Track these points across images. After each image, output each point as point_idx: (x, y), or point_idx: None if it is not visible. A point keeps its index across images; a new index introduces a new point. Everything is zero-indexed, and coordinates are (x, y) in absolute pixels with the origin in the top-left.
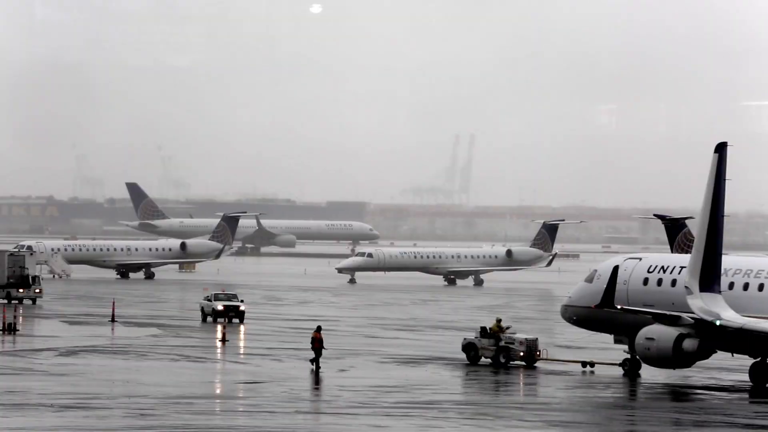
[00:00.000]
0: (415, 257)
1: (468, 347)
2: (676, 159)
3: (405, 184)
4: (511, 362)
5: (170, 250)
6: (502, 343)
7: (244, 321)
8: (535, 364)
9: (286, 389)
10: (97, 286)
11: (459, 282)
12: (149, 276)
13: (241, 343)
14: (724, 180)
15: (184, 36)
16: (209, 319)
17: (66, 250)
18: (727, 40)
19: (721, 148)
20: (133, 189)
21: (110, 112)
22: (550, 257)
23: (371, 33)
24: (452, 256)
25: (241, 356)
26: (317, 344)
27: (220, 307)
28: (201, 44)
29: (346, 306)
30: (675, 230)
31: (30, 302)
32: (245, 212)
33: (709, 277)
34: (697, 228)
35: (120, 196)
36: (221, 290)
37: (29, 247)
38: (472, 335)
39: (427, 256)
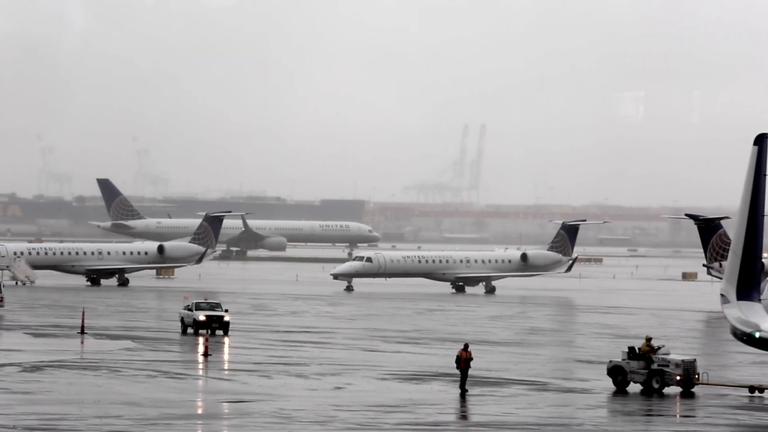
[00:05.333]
0: (420, 262)
1: (614, 371)
2: (711, 152)
3: (408, 180)
4: (666, 387)
5: (146, 253)
6: (655, 366)
7: (229, 333)
8: (693, 389)
9: (275, 409)
10: (64, 293)
11: (468, 289)
12: (123, 282)
13: (226, 358)
14: (765, 175)
15: (162, 20)
16: (190, 330)
17: (30, 253)
18: (766, 20)
19: (761, 140)
20: (105, 186)
21: (80, 100)
22: (570, 262)
23: (372, 11)
24: (461, 261)
25: (226, 372)
26: (462, 363)
27: (202, 317)
28: (181, 28)
29: (342, 316)
30: (709, 231)
31: None
32: (230, 212)
33: (748, 284)
34: (734, 229)
35: (90, 194)
36: (203, 298)
37: None
38: (618, 357)
39: (433, 261)
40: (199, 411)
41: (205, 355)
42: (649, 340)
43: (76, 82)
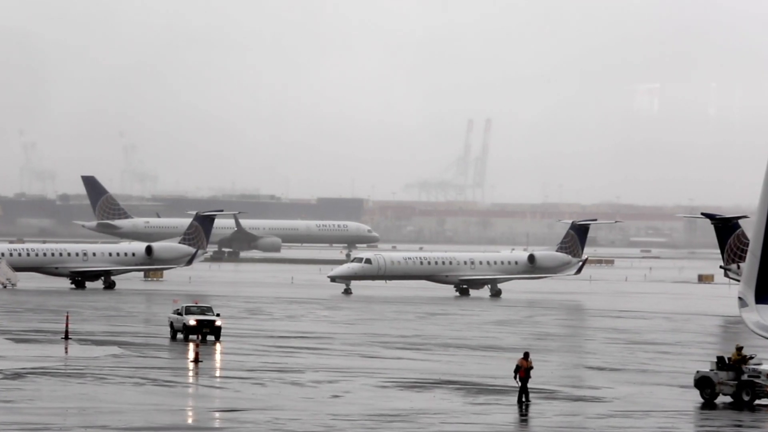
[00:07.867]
0: (422, 263)
1: (702, 382)
2: (728, 148)
3: (409, 177)
4: (757, 400)
5: (134, 254)
6: (745, 377)
7: (221, 338)
8: None
9: (270, 418)
10: (48, 296)
11: (473, 292)
12: (109, 285)
13: (217, 364)
14: None
15: (150, 13)
16: (179, 335)
17: (11, 254)
18: None
19: None
20: (90, 183)
21: (64, 94)
22: (580, 263)
23: (372, 4)
24: (465, 262)
25: (217, 379)
26: (522, 373)
27: (192, 321)
28: (170, 21)
29: (340, 320)
30: (727, 231)
31: None
32: (222, 211)
33: (767, 287)
34: (752, 228)
35: (75, 192)
36: (194, 302)
37: None
38: (706, 368)
39: (436, 262)
40: (189, 421)
41: (196, 361)
42: (739, 349)
43: (59, 75)
